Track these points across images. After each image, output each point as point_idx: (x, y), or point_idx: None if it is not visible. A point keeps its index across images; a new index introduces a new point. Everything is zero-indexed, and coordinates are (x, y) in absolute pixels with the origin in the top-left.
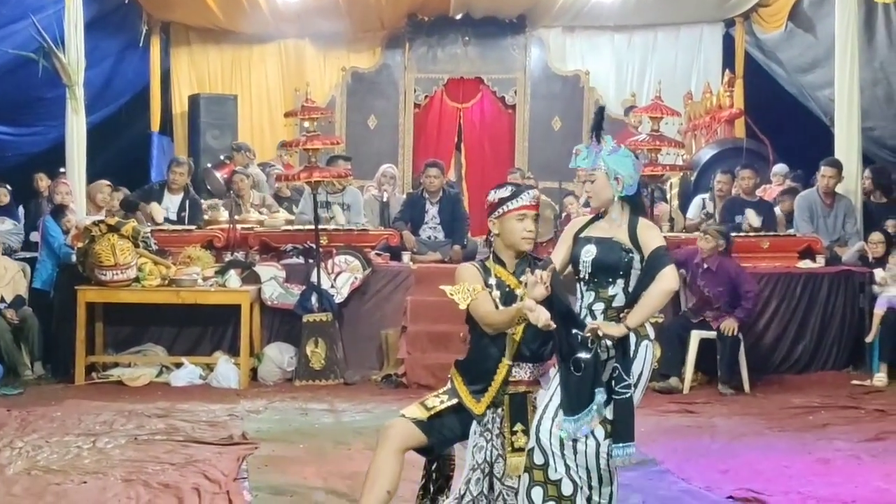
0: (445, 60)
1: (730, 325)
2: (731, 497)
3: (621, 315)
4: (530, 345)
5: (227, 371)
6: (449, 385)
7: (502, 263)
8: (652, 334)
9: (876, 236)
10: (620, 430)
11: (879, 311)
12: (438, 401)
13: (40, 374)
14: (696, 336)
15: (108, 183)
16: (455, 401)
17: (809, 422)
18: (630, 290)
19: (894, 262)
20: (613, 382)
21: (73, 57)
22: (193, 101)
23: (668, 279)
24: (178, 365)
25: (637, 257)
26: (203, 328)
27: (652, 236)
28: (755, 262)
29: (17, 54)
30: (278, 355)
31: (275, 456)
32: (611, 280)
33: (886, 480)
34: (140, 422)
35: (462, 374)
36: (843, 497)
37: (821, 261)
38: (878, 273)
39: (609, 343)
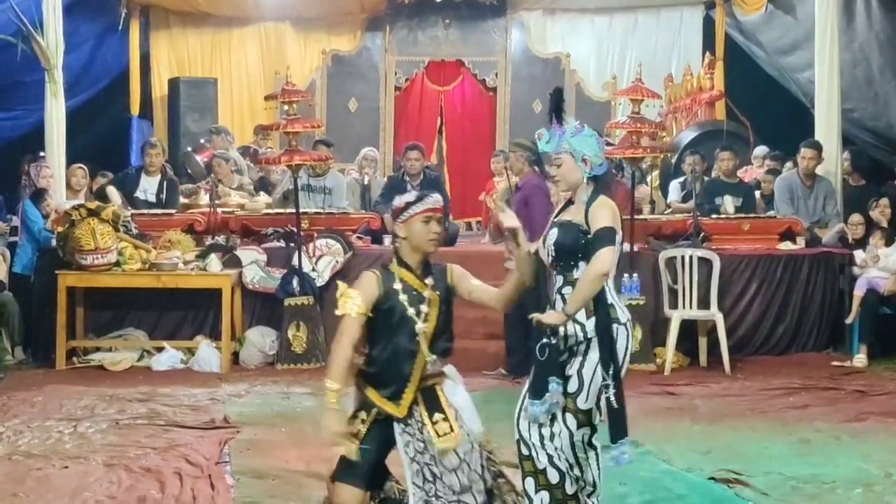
0: (426, 43)
1: None
2: (712, 478)
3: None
4: (437, 341)
5: (208, 355)
6: (356, 400)
7: (408, 267)
8: (623, 317)
9: (855, 218)
10: (610, 430)
11: (859, 292)
12: (359, 421)
13: (21, 358)
14: (676, 317)
15: (81, 166)
16: (374, 411)
17: (790, 403)
18: None
19: (874, 243)
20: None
21: (52, 40)
22: (173, 84)
23: (598, 262)
24: (160, 349)
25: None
26: (184, 312)
27: (598, 216)
28: (736, 243)
29: None
30: (260, 339)
31: (257, 440)
32: (573, 262)
33: (866, 460)
34: (121, 406)
35: (371, 383)
36: (824, 477)
37: (801, 242)
38: (859, 255)
39: (567, 331)
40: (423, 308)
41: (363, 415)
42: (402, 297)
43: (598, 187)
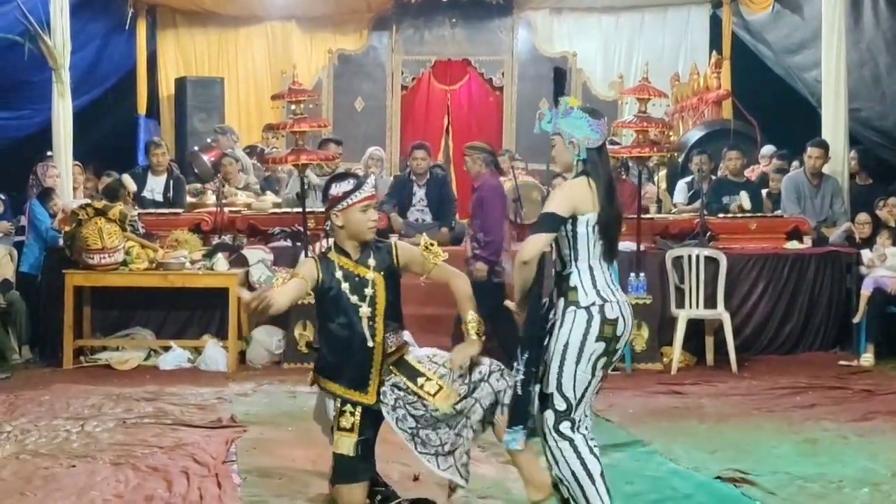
0: (432, 42)
1: (480, 268)
2: (718, 478)
3: (564, 275)
4: (388, 320)
5: (215, 354)
6: (329, 394)
7: (346, 254)
8: (586, 301)
9: (863, 217)
10: (508, 412)
11: (866, 291)
12: (348, 413)
13: (28, 358)
14: (683, 316)
15: (77, 163)
16: (357, 403)
17: (797, 402)
18: (561, 252)
19: (881, 242)
20: None
21: (59, 40)
22: (180, 84)
23: (522, 249)
24: (167, 348)
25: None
26: (191, 312)
27: (550, 198)
28: (743, 243)
29: (2, 38)
30: (266, 338)
31: (263, 439)
32: (551, 245)
33: (873, 460)
34: (128, 405)
35: (332, 378)
36: (831, 477)
37: (808, 242)
38: (866, 254)
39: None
40: (368, 291)
41: (350, 407)
42: (345, 286)
43: (583, 170)
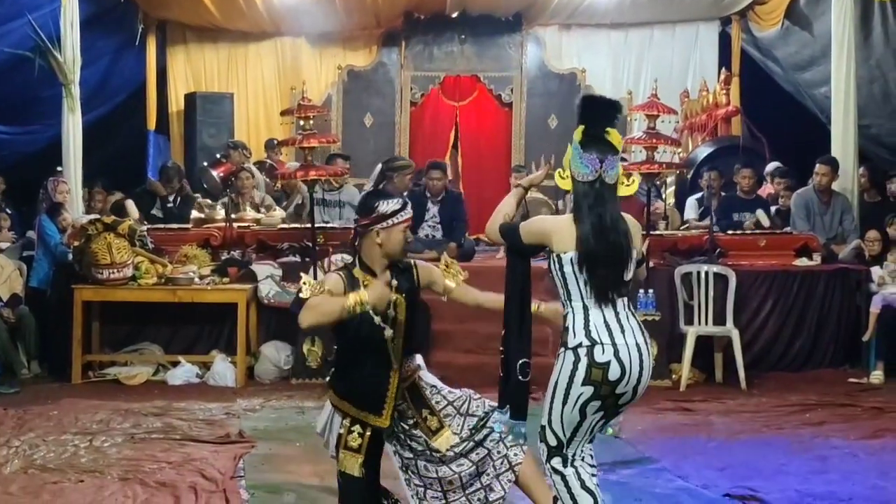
0: (442, 58)
1: None
2: (727, 495)
3: (563, 315)
4: (408, 342)
5: (223, 369)
6: (340, 412)
7: (372, 273)
8: (573, 342)
9: (872, 234)
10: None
11: (875, 309)
12: (356, 433)
13: (37, 372)
14: (692, 332)
15: (101, 190)
16: (365, 423)
17: (806, 419)
18: (560, 293)
19: (892, 259)
20: None
21: (70, 55)
22: (190, 99)
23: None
24: (175, 363)
25: (551, 251)
26: (200, 327)
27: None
28: (752, 259)
29: (13, 53)
30: (275, 354)
31: (271, 454)
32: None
33: (883, 478)
34: (137, 420)
35: (348, 398)
36: (840, 495)
37: (817, 259)
38: (877, 271)
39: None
40: (391, 313)
41: (359, 428)
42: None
43: (574, 205)
